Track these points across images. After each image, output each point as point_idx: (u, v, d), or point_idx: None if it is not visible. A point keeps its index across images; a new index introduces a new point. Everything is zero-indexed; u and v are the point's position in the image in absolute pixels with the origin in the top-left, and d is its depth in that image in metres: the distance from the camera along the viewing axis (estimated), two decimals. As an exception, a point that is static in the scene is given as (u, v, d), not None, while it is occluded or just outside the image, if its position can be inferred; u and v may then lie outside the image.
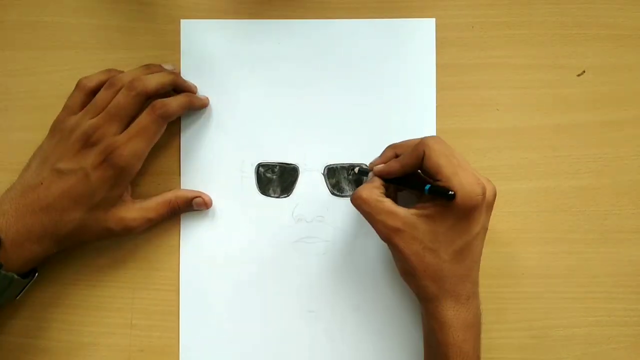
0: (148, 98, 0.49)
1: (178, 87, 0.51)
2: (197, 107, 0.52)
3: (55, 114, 0.49)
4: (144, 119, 0.48)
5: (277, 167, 0.52)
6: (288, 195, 0.52)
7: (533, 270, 0.52)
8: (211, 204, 0.52)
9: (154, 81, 0.49)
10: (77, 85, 0.50)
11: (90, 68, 0.52)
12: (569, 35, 0.53)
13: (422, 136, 0.46)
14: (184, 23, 0.53)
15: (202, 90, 0.53)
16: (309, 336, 0.52)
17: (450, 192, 0.42)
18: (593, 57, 0.53)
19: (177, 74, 0.51)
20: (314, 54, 0.53)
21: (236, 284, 0.52)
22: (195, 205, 0.51)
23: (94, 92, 0.50)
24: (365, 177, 0.51)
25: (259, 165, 0.52)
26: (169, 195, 0.51)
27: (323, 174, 0.52)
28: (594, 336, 0.52)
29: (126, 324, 0.52)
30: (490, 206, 0.45)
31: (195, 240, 0.52)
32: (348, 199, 0.52)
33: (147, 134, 0.48)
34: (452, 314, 0.44)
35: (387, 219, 0.44)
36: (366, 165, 0.52)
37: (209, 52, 0.53)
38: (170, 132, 0.52)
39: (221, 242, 0.52)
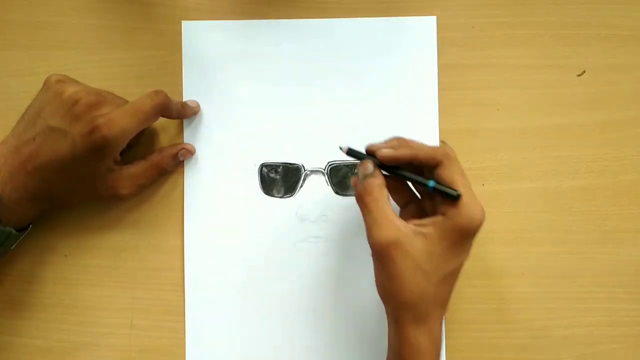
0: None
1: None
2: (188, 115, 0.52)
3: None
4: (144, 102, 0.48)
5: (281, 167, 0.52)
6: (292, 195, 0.52)
7: (533, 270, 0.52)
8: (194, 150, 0.52)
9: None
10: None
11: (91, 68, 0.52)
12: (569, 35, 0.53)
13: (406, 137, 0.45)
14: (185, 24, 0.53)
15: (204, 91, 0.53)
16: (314, 336, 0.52)
17: (457, 193, 0.41)
18: (593, 57, 0.53)
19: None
20: (315, 53, 0.53)
21: (240, 285, 0.52)
22: (182, 157, 0.52)
23: None
24: (356, 161, 0.46)
25: (262, 166, 0.52)
26: (156, 159, 0.51)
27: (326, 173, 0.52)
28: (594, 336, 0.52)
29: (126, 324, 0.52)
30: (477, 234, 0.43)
31: (198, 241, 0.52)
32: (352, 198, 0.52)
33: (144, 117, 0.47)
34: (427, 340, 0.42)
35: (388, 226, 0.42)
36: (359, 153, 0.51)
37: (211, 53, 0.53)
38: (173, 132, 0.52)
39: (225, 243, 0.52)
